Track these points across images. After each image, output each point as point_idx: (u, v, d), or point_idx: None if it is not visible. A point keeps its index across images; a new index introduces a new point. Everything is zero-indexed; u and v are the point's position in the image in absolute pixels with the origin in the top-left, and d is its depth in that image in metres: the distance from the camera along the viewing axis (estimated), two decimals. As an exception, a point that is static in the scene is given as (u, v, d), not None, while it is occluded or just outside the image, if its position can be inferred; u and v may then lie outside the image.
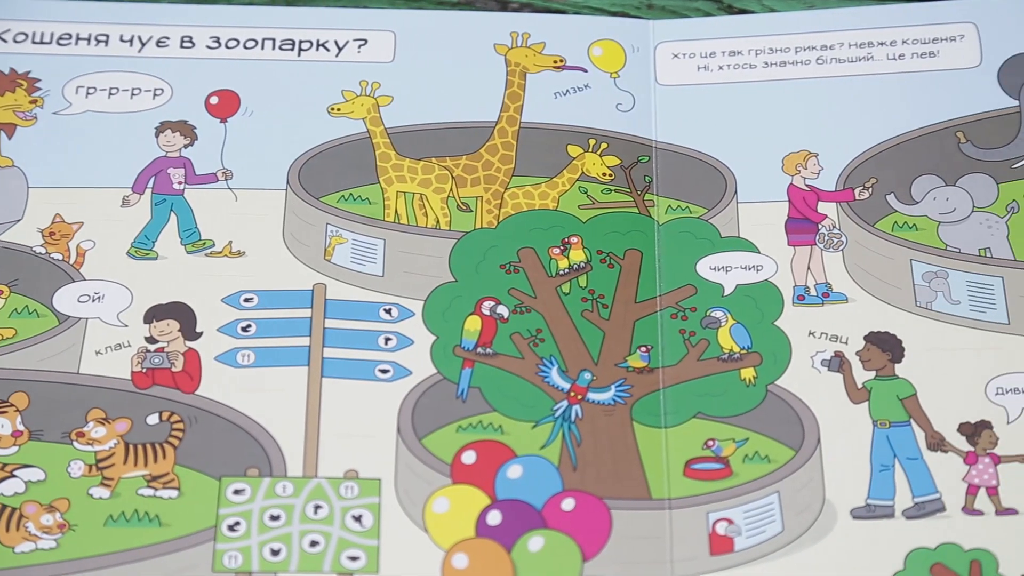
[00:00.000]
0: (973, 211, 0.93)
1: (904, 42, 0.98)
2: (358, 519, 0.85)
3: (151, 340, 0.90)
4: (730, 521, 0.85)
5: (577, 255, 0.93)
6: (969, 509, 0.85)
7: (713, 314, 0.91)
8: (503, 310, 0.92)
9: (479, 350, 0.91)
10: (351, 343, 0.91)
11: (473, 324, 0.91)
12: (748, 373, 0.90)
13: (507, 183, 0.96)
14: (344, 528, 0.85)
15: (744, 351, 0.90)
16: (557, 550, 0.84)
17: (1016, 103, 0.95)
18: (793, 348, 0.90)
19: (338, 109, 0.98)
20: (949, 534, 0.84)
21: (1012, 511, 0.84)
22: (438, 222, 0.95)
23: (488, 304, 0.92)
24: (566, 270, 0.93)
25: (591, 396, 0.90)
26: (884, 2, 1.00)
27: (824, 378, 0.89)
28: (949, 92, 0.96)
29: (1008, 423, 0.86)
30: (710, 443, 0.88)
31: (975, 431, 0.87)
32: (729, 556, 0.84)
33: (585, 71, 0.99)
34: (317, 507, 0.86)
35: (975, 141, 0.94)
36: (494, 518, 0.85)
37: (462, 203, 0.96)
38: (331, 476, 0.86)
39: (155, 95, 0.98)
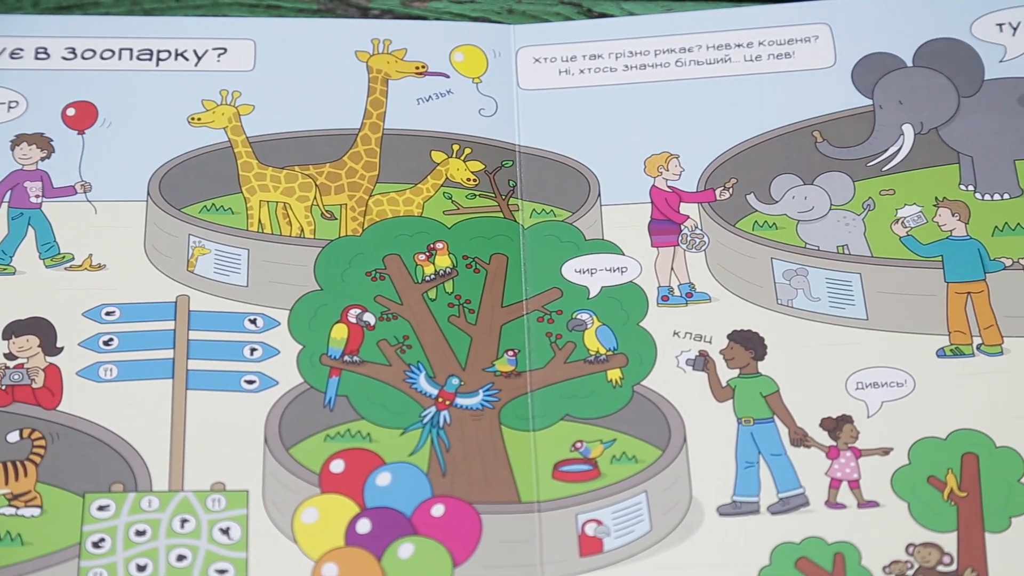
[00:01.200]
0: (831, 209, 0.94)
1: (760, 43, 0.99)
2: (225, 532, 0.85)
3: (10, 356, 0.89)
4: (599, 522, 0.86)
5: (443, 261, 0.94)
6: (832, 503, 0.86)
7: (579, 316, 0.92)
8: (369, 317, 0.92)
9: (346, 358, 0.90)
10: (216, 354, 0.90)
11: (339, 332, 0.91)
12: (614, 374, 0.90)
13: (371, 190, 0.96)
14: (211, 541, 0.84)
15: (610, 352, 0.91)
16: (427, 556, 0.84)
17: (870, 102, 0.97)
18: (658, 348, 0.91)
19: (198, 119, 0.97)
20: (813, 528, 0.85)
21: (873, 503, 0.85)
22: (302, 231, 0.95)
23: (354, 312, 0.92)
24: (432, 276, 0.93)
25: (459, 401, 0.90)
26: (740, 4, 1.01)
27: (689, 377, 0.90)
28: (805, 92, 0.97)
29: (868, 417, 0.88)
30: (578, 445, 0.88)
31: (837, 426, 0.88)
32: (598, 557, 0.85)
33: (447, 77, 0.99)
34: (184, 521, 0.85)
35: (831, 140, 0.96)
36: (363, 526, 0.85)
37: (326, 211, 0.96)
38: (197, 489, 0.86)
39: (9, 108, 0.97)
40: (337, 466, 0.87)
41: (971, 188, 0.94)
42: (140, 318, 0.91)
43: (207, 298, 0.92)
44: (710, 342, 0.91)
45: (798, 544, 0.85)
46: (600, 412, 0.89)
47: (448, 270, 0.94)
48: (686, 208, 0.95)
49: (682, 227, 0.95)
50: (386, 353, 0.91)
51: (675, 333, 0.91)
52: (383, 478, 0.87)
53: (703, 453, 0.87)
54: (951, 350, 0.89)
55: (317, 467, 0.87)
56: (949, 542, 0.84)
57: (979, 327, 0.90)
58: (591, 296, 0.92)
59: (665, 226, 0.95)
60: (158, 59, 0.99)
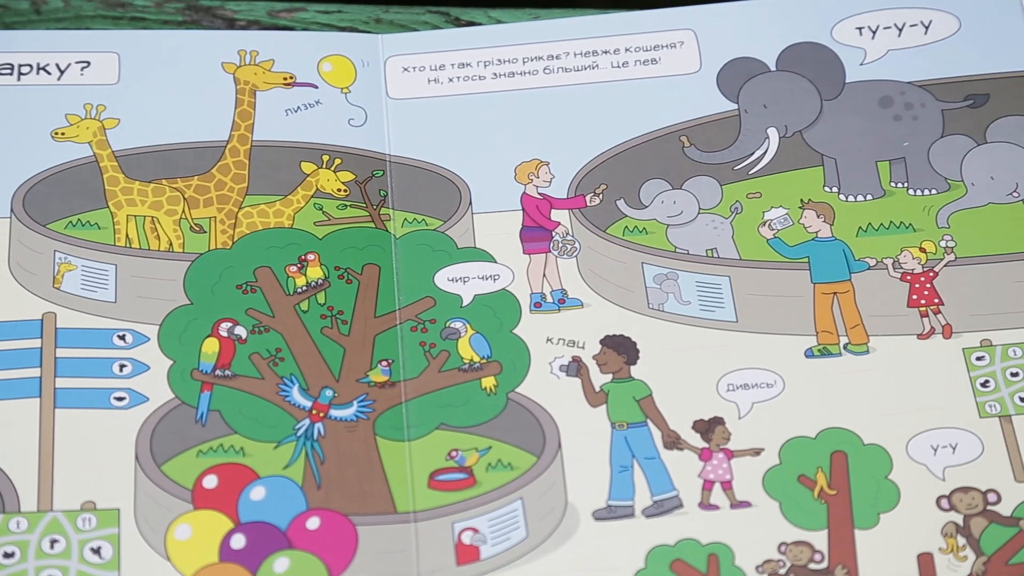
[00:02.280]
0: (699, 213, 0.95)
1: (627, 50, 1.00)
2: (97, 551, 0.84)
3: None
4: (475, 530, 0.86)
5: (314, 272, 0.93)
6: (705, 504, 0.87)
7: (452, 325, 0.92)
8: (241, 331, 0.91)
9: (217, 372, 0.90)
10: (84, 372, 0.89)
11: (210, 346, 0.90)
12: (489, 382, 0.91)
13: (241, 202, 0.96)
14: (82, 561, 0.83)
15: (484, 360, 0.91)
16: (303, 570, 0.84)
17: (735, 106, 0.98)
18: (532, 355, 0.91)
19: (62, 133, 0.96)
20: (687, 530, 0.86)
21: (746, 504, 0.86)
22: (171, 245, 0.94)
23: (225, 325, 0.91)
24: (304, 288, 0.93)
25: (333, 413, 0.89)
26: (607, 11, 1.02)
27: (563, 383, 0.90)
28: (672, 97, 0.98)
29: (739, 418, 0.89)
30: (453, 454, 0.88)
31: (709, 428, 0.89)
32: (476, 565, 0.85)
33: (316, 87, 0.99)
34: (53, 541, 0.84)
35: (699, 145, 0.97)
36: (238, 542, 0.85)
37: (195, 224, 0.95)
38: (67, 509, 0.85)
39: None
40: (210, 481, 0.86)
41: (835, 190, 0.95)
42: (5, 337, 0.89)
43: (74, 315, 0.91)
44: (583, 348, 0.91)
45: (673, 546, 0.85)
46: (475, 420, 0.89)
47: (320, 281, 0.93)
48: (557, 215, 0.96)
49: (553, 233, 0.95)
50: (258, 366, 0.90)
51: (548, 339, 0.92)
52: (257, 492, 0.86)
53: (578, 458, 0.88)
54: (819, 350, 0.90)
55: (190, 483, 0.86)
56: (820, 540, 0.85)
57: (845, 327, 0.91)
58: (464, 304, 0.93)
59: (537, 233, 0.95)
60: (20, 73, 0.98)
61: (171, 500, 0.85)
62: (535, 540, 0.86)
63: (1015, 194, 0.94)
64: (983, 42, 0.98)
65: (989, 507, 0.85)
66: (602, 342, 0.91)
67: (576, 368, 0.91)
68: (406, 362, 0.91)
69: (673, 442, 0.89)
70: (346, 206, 0.96)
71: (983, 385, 0.89)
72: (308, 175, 0.96)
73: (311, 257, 0.94)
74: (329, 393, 0.90)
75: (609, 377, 0.90)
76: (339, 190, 0.96)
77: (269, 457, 0.88)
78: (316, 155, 0.97)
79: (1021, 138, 0.96)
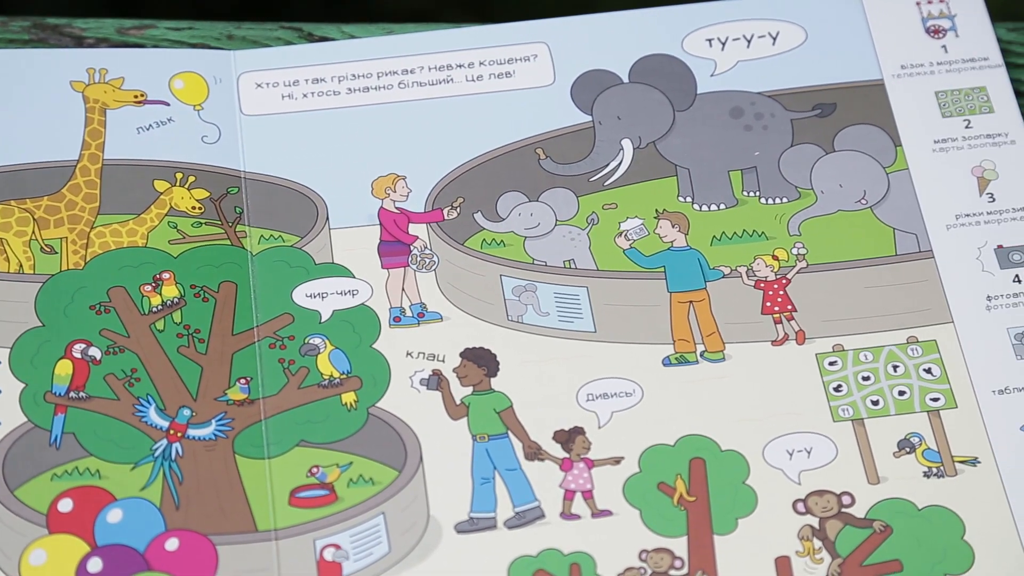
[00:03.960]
0: (556, 225, 0.96)
1: (481, 63, 1.00)
2: (-52, 580, 0.82)
3: None
4: (337, 547, 0.86)
5: (170, 291, 0.92)
6: (567, 514, 0.87)
7: (311, 341, 0.92)
8: (95, 352, 0.90)
9: (71, 395, 0.88)
10: (-67, 397, 0.87)
11: (64, 368, 0.89)
12: (349, 397, 0.90)
13: (92, 222, 0.94)
14: (-66, 591, 0.82)
15: (344, 376, 0.91)
16: (162, 592, 0.83)
17: (590, 118, 0.99)
18: (392, 370, 0.91)
19: (-92, 154, 0.94)
20: (549, 540, 0.86)
21: (607, 512, 0.87)
22: (21, 266, 0.93)
23: (79, 347, 0.90)
24: (159, 307, 0.92)
25: (191, 432, 0.88)
26: (460, 25, 1.02)
27: (423, 397, 0.90)
28: (527, 110, 0.99)
29: (599, 428, 0.89)
30: (314, 470, 0.88)
31: (569, 438, 0.89)
32: (338, 581, 0.85)
33: (167, 104, 0.98)
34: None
35: (554, 157, 0.98)
36: (95, 565, 0.83)
37: (46, 245, 0.93)
38: (-83, 538, 0.83)
39: None
40: (65, 505, 0.85)
41: (689, 199, 0.97)
42: None
43: (-77, 339, 0.89)
44: (443, 361, 0.91)
45: (535, 557, 0.86)
46: (336, 436, 0.89)
47: (176, 300, 0.92)
48: (415, 229, 0.96)
49: (411, 248, 0.95)
50: (114, 387, 0.89)
51: (408, 354, 0.92)
52: (114, 515, 0.85)
53: (439, 471, 0.88)
54: (676, 358, 0.91)
55: (44, 507, 0.84)
56: (680, 546, 0.86)
57: (702, 335, 0.92)
58: (323, 320, 0.92)
59: (394, 247, 0.95)
60: None
61: (25, 525, 0.84)
62: (398, 555, 0.86)
63: (863, 201, 0.96)
64: (829, 53, 1.00)
65: (844, 510, 0.87)
66: (462, 355, 0.92)
67: (436, 382, 0.91)
68: (265, 379, 0.90)
69: (534, 453, 0.89)
70: (201, 224, 0.95)
71: (836, 390, 0.90)
72: (161, 193, 0.95)
73: (166, 276, 0.93)
74: (187, 412, 0.89)
75: (470, 390, 0.91)
76: (193, 208, 0.95)
77: (126, 479, 0.86)
78: (169, 173, 0.96)
79: (867, 146, 0.98)
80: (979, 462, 0.88)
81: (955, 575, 0.84)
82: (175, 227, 0.94)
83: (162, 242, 0.94)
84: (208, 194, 0.96)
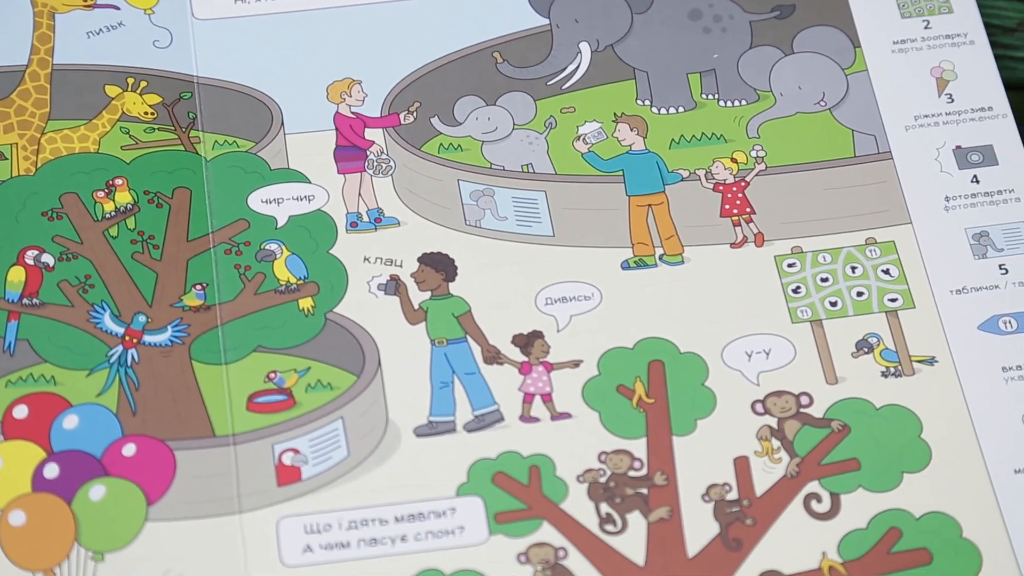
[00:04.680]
0: (514, 129, 0.95)
1: (437, -34, 0.99)
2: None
3: None
4: (296, 451, 0.86)
5: (123, 197, 0.91)
6: (526, 417, 0.87)
7: (267, 247, 0.91)
8: (48, 258, 0.89)
9: (25, 301, 0.87)
10: None
11: (16, 275, 0.88)
12: (306, 303, 0.90)
13: (43, 128, 0.93)
14: None
15: (301, 281, 0.90)
16: (119, 497, 0.83)
17: (547, 21, 0.98)
18: (349, 275, 0.90)
19: None
20: (509, 443, 0.86)
21: (566, 415, 0.87)
22: (-29, 172, 0.92)
23: (31, 253, 0.89)
24: (112, 213, 0.91)
25: (147, 339, 0.88)
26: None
27: (381, 302, 0.90)
28: (484, 13, 0.98)
29: (558, 331, 0.89)
30: (272, 375, 0.87)
31: (528, 342, 0.89)
32: (297, 485, 0.84)
33: (118, 8, 0.96)
34: None
35: (511, 60, 0.97)
36: (51, 471, 0.83)
37: (-4, 151, 0.92)
38: None
39: None
40: (20, 412, 0.84)
41: (648, 103, 0.96)
42: None
43: None
44: (401, 266, 0.91)
45: (495, 460, 0.86)
46: (293, 341, 0.88)
47: (129, 206, 0.91)
48: (371, 133, 0.95)
49: (368, 153, 0.94)
50: (67, 294, 0.88)
51: (365, 259, 0.91)
52: (70, 421, 0.84)
53: (398, 376, 0.88)
54: (635, 262, 0.91)
55: (-1, 414, 0.84)
56: (639, 448, 0.86)
57: (660, 238, 0.92)
58: (279, 226, 0.91)
59: (351, 152, 0.94)
60: None
61: (-20, 432, 0.84)
62: (356, 459, 0.86)
63: (822, 103, 0.96)
64: (790, -47, 1.00)
65: (802, 410, 0.87)
66: (420, 260, 0.91)
67: (394, 287, 0.90)
68: (221, 285, 0.90)
69: (493, 357, 0.89)
70: (154, 129, 0.94)
71: (795, 291, 0.90)
72: (113, 99, 0.94)
73: (119, 182, 0.91)
74: (142, 319, 0.88)
75: (428, 295, 0.90)
76: (146, 113, 0.94)
77: (81, 385, 0.86)
78: (120, 78, 0.95)
79: (827, 48, 0.97)
80: (936, 361, 0.88)
81: (912, 473, 0.85)
82: (127, 133, 0.93)
83: (114, 148, 0.92)
84: (160, 99, 0.94)
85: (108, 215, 0.91)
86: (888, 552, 0.83)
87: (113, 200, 0.91)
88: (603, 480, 0.85)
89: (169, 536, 0.83)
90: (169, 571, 0.82)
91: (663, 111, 0.95)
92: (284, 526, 0.83)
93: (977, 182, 0.93)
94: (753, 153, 0.94)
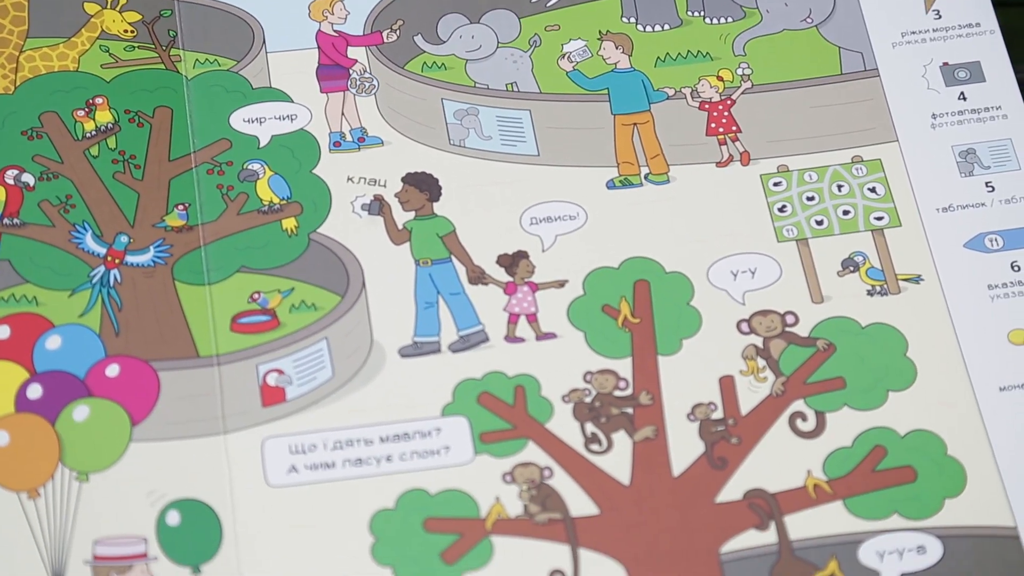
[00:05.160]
0: (498, 47, 0.94)
1: None
2: None
3: None
4: (280, 372, 0.85)
5: (103, 116, 0.90)
6: (511, 337, 0.87)
7: (250, 167, 0.90)
8: (28, 178, 0.88)
9: (5, 221, 0.87)
10: None
11: (-3, 195, 0.88)
12: (289, 223, 0.89)
13: (21, 46, 0.92)
14: None
15: (284, 201, 0.90)
16: (103, 417, 0.82)
17: (531, -62, 0.97)
18: (332, 195, 0.90)
19: None
20: (494, 363, 0.86)
21: (551, 335, 0.87)
22: (-51, 90, 0.91)
23: (11, 173, 0.88)
24: (93, 132, 0.90)
25: (129, 259, 0.87)
26: None
27: (365, 222, 0.89)
28: (467, -70, 0.97)
29: (543, 251, 0.89)
30: (255, 296, 0.87)
31: (513, 262, 0.89)
32: (282, 406, 0.84)
33: (96, -76, 0.95)
34: None
35: (495, -23, 0.96)
36: (34, 391, 0.83)
37: (-26, 69, 0.91)
38: None
39: None
40: (2, 332, 0.84)
41: (633, 20, 0.95)
42: None
43: None
44: (384, 186, 0.90)
45: (480, 380, 0.86)
46: (276, 262, 0.88)
47: (110, 125, 0.90)
48: (354, 52, 0.94)
49: (351, 71, 0.93)
50: (48, 214, 0.88)
51: (349, 179, 0.90)
52: (53, 341, 0.84)
53: (382, 297, 0.87)
54: (620, 181, 0.91)
55: (-19, 335, 0.84)
56: (624, 367, 0.86)
57: (646, 157, 0.91)
58: (261, 145, 0.91)
59: (333, 71, 0.93)
60: None
61: (-38, 353, 0.83)
62: (341, 379, 0.85)
63: (808, 20, 0.95)
64: None
65: (787, 329, 0.87)
66: (404, 180, 0.90)
67: (378, 207, 0.90)
68: (203, 205, 0.89)
69: (478, 277, 0.89)
70: (134, 47, 0.93)
71: (780, 210, 0.90)
72: (92, 16, 0.93)
73: (99, 101, 0.91)
74: (124, 239, 0.87)
75: (412, 215, 0.90)
76: (125, 31, 0.93)
77: (64, 305, 0.85)
78: (100, -5, 0.94)
79: (814, -36, 0.97)
80: (922, 280, 0.88)
81: (897, 391, 0.85)
82: (107, 51, 0.92)
83: (94, 66, 0.91)
84: (140, 17, 0.93)
85: (88, 134, 0.90)
86: (873, 470, 0.83)
87: (93, 119, 0.90)
88: (588, 400, 0.85)
89: (153, 457, 0.83)
90: (154, 491, 0.82)
91: (648, 28, 0.95)
92: (269, 447, 0.83)
93: (964, 99, 0.92)
94: (739, 71, 0.93)
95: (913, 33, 0.94)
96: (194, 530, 0.81)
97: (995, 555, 0.81)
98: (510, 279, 0.88)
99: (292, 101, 0.92)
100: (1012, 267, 0.88)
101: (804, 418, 0.85)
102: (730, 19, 0.95)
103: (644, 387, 0.86)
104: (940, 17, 0.95)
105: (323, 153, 0.91)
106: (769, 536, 0.82)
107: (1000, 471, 0.83)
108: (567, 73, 0.94)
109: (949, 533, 0.82)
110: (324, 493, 0.82)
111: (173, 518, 0.81)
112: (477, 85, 0.93)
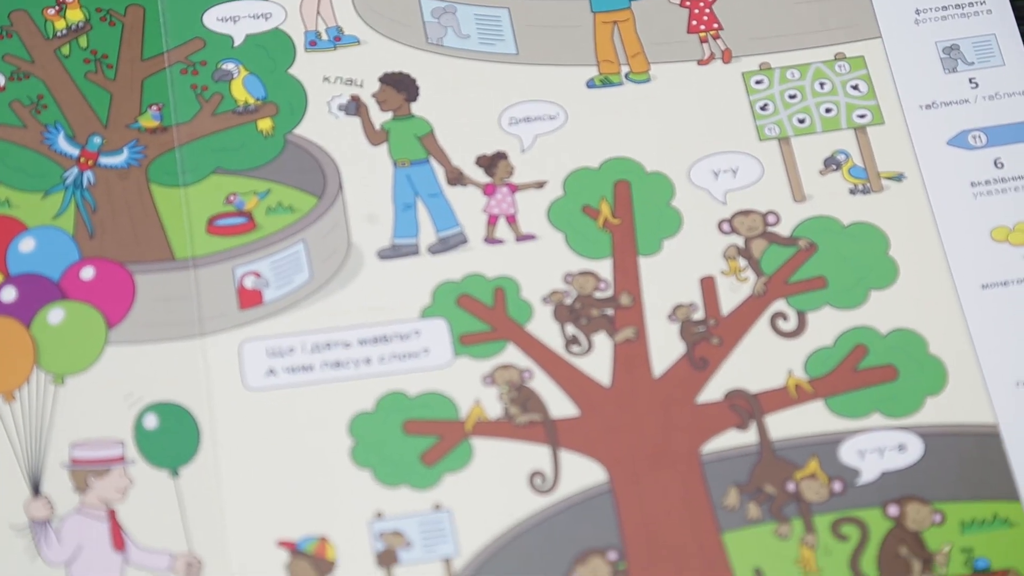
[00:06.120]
0: (476, -56, 0.93)
1: None
2: None
3: None
4: (257, 274, 0.85)
5: (74, 15, 0.89)
6: (491, 239, 0.86)
7: (224, 66, 0.89)
8: (-1, 78, 0.87)
9: (-24, 122, 0.86)
10: None
11: (-33, 95, 0.86)
12: (265, 124, 0.88)
13: (-11, -58, 0.91)
14: None
15: (259, 102, 0.88)
16: (79, 320, 0.82)
17: None
18: (308, 95, 0.88)
19: None
20: (473, 265, 0.85)
21: (531, 236, 0.86)
22: (-85, -11, 0.89)
23: (-19, 73, 0.87)
24: (64, 31, 0.88)
25: (103, 160, 0.86)
26: None
27: (342, 123, 0.88)
28: None
29: (522, 151, 0.88)
30: (232, 198, 0.86)
31: (492, 162, 0.88)
32: (259, 309, 0.84)
33: None
34: None
35: None
36: (8, 294, 0.82)
37: (-60, -32, 0.90)
38: None
39: None
40: (-26, 235, 0.83)
41: (613, -84, 0.94)
42: None
43: None
44: (361, 86, 0.89)
45: (459, 282, 0.85)
46: (252, 163, 0.87)
47: (81, 24, 0.89)
48: (329, -51, 0.93)
49: (326, -31, 0.92)
50: (20, 114, 0.86)
51: (325, 79, 0.89)
52: (26, 244, 0.83)
53: (360, 198, 0.86)
54: (600, 80, 0.90)
55: (-47, 237, 0.83)
56: (605, 268, 0.86)
57: (626, 55, 0.90)
58: (236, 45, 0.89)
59: (308, -31, 0.92)
60: None
61: (-66, 255, 0.82)
62: (319, 281, 0.85)
63: (791, -85, 0.94)
64: None
65: (769, 228, 0.86)
66: (381, 80, 0.89)
67: (355, 107, 0.89)
68: (178, 106, 0.88)
69: (456, 178, 0.88)
70: (105, -55, 0.92)
71: (762, 108, 0.89)
72: (62, -88, 0.92)
73: (70, -1, 0.90)
74: (97, 140, 0.86)
75: (389, 115, 0.89)
76: (96, -72, 0.92)
77: (37, 207, 0.84)
78: None
79: None
80: (905, 177, 0.87)
81: (879, 289, 0.85)
82: (77, -52, 0.91)
83: (64, -36, 0.90)
84: (111, -87, 0.92)
85: (59, 33, 0.88)
86: (854, 369, 0.83)
87: (64, 18, 0.88)
88: (568, 301, 0.85)
89: (130, 360, 0.82)
90: (131, 394, 0.81)
91: (629, -75, 0.94)
92: (247, 349, 0.83)
93: (948, -5, 0.92)
94: (721, -32, 0.92)
95: (897, -73, 0.94)
96: (172, 433, 0.81)
97: (976, 453, 0.81)
98: (489, 180, 0.87)
99: None
100: (995, 164, 0.88)
101: (785, 318, 0.84)
102: (711, -86, 0.94)
103: (625, 288, 0.85)
104: (925, -89, 0.94)
105: (298, 53, 0.89)
106: (750, 436, 0.82)
107: (981, 369, 0.83)
108: (546, -30, 0.92)
109: (930, 431, 0.82)
110: (302, 396, 0.82)
111: (150, 421, 0.81)
112: (455, -17, 0.92)
